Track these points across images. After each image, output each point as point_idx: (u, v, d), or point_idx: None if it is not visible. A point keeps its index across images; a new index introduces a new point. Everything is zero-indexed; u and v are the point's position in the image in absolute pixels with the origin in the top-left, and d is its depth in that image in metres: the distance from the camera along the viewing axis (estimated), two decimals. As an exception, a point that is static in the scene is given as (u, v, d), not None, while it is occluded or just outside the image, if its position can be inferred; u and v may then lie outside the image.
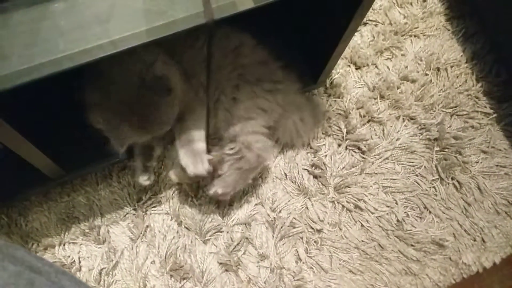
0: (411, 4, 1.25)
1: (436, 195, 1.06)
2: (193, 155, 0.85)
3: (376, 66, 1.17)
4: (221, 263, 0.97)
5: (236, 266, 0.97)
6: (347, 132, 1.08)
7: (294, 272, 0.98)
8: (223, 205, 1.00)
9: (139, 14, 0.53)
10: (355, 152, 1.08)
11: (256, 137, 0.91)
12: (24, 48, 0.50)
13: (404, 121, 1.12)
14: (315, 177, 1.05)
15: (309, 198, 1.03)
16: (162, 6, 0.54)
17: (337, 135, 1.08)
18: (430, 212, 1.05)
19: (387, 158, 1.08)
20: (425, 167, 1.08)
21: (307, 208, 1.02)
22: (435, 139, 1.10)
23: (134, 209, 0.99)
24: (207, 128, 0.84)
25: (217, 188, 0.90)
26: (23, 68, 0.49)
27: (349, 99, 1.12)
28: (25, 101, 0.86)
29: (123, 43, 0.52)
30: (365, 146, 1.07)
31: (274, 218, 1.01)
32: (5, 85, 0.49)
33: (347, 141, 1.08)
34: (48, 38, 0.51)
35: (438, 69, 1.18)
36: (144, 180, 0.94)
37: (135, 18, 0.53)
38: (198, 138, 0.86)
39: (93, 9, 0.53)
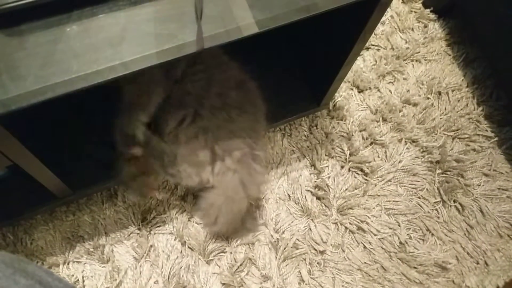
0: (412, 29, 1.28)
1: (438, 217, 1.07)
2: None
3: (379, 90, 1.19)
4: (224, 284, 0.97)
5: (239, 286, 0.97)
6: (350, 154, 1.09)
7: (297, 293, 0.98)
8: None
9: (149, 38, 0.55)
10: (358, 174, 1.09)
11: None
12: (39, 68, 0.52)
13: (406, 144, 1.13)
14: (318, 198, 1.06)
15: (312, 219, 1.04)
16: (172, 30, 0.56)
17: (340, 157, 1.10)
18: (432, 234, 1.05)
19: (389, 180, 1.09)
20: (427, 189, 1.09)
21: (310, 229, 1.03)
22: (437, 162, 1.11)
23: (139, 229, 1.00)
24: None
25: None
26: (38, 87, 0.51)
27: (352, 122, 1.14)
28: (35, 119, 0.88)
29: (134, 65, 0.54)
30: (367, 168, 1.08)
31: (277, 239, 1.01)
32: (21, 103, 0.50)
33: (350, 163, 1.09)
34: (62, 59, 0.53)
35: (440, 93, 1.20)
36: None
37: (145, 41, 0.55)
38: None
39: (106, 33, 0.55)
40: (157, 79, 0.87)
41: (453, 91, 1.20)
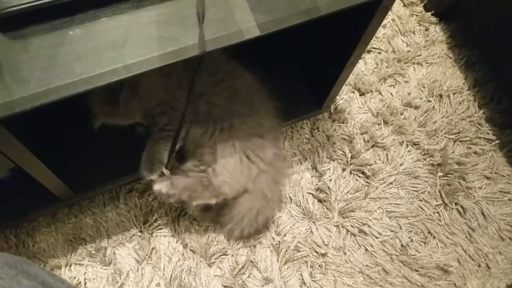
0: (413, 32, 1.28)
1: (440, 220, 1.07)
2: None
3: (380, 93, 1.19)
4: (225, 286, 0.97)
5: (240, 289, 0.97)
6: (351, 157, 1.10)
7: (298, 296, 0.98)
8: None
9: (152, 41, 0.56)
10: (359, 176, 1.09)
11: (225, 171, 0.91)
12: (42, 71, 0.52)
13: (407, 147, 1.13)
14: (319, 201, 1.06)
15: (313, 222, 1.04)
16: (174, 33, 0.56)
17: (342, 160, 1.10)
18: (434, 237, 1.05)
19: (391, 183, 1.09)
20: (428, 192, 1.09)
21: (311, 232, 1.03)
22: (439, 165, 1.11)
23: (140, 231, 1.00)
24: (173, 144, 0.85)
25: (161, 186, 0.89)
26: (42, 90, 0.51)
27: (353, 125, 1.14)
28: (37, 121, 0.88)
29: (136, 68, 0.55)
30: (369, 171, 1.08)
31: (279, 241, 1.01)
32: (25, 106, 0.51)
33: (352, 166, 1.09)
34: (65, 62, 0.53)
35: (441, 96, 1.20)
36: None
37: (148, 44, 0.56)
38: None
39: (109, 36, 0.55)
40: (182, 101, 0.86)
41: (454, 94, 1.21)
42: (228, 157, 0.90)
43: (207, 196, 0.91)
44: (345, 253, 1.02)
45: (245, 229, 0.97)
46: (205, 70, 0.81)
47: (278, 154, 0.97)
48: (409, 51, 1.25)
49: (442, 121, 1.17)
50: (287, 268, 1.00)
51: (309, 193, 1.06)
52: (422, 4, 1.32)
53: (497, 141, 1.16)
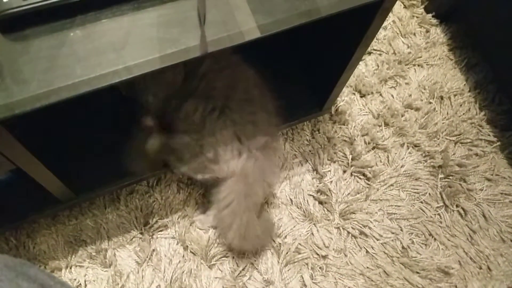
0: (414, 34, 1.28)
1: (441, 222, 1.07)
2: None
3: (381, 94, 1.19)
4: (226, 288, 0.97)
5: (241, 291, 0.97)
6: (352, 159, 1.10)
7: (299, 298, 0.98)
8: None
9: (153, 42, 0.56)
10: (360, 178, 1.09)
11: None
12: (43, 73, 0.52)
13: (408, 148, 1.13)
14: (320, 203, 1.06)
15: (314, 224, 1.04)
16: (175, 35, 0.56)
17: (342, 162, 1.10)
18: (435, 239, 1.05)
19: (392, 185, 1.09)
20: (429, 194, 1.09)
21: (312, 234, 1.03)
22: (439, 166, 1.11)
23: (141, 233, 1.00)
24: None
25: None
26: (42, 92, 0.51)
27: (354, 126, 1.14)
28: (38, 122, 0.88)
29: (137, 69, 0.55)
30: (370, 173, 1.08)
31: (280, 243, 1.01)
32: (25, 107, 0.51)
33: (352, 168, 1.09)
34: (66, 64, 0.53)
35: (442, 97, 1.20)
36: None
37: (149, 46, 0.56)
38: None
39: (109, 37, 0.55)
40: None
41: (455, 95, 1.21)
42: (221, 138, 0.90)
43: (193, 166, 0.93)
44: (346, 255, 1.02)
45: (228, 230, 0.95)
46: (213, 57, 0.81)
47: (272, 147, 0.96)
48: (409, 52, 1.25)
49: (443, 123, 1.17)
50: (288, 270, 0.99)
51: (310, 195, 1.06)
52: (423, 6, 1.32)
53: (498, 143, 1.16)
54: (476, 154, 1.15)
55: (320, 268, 1.00)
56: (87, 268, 0.97)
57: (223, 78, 0.91)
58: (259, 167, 0.93)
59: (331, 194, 1.06)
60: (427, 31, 1.29)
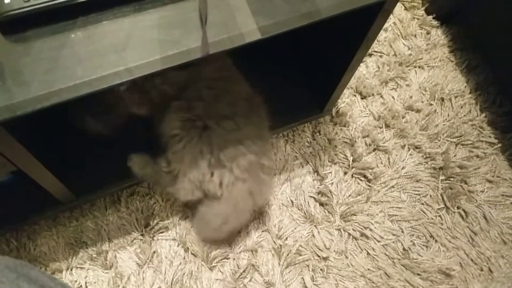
0: (415, 36, 1.28)
1: (442, 224, 1.07)
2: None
3: (381, 96, 1.19)
4: (227, 290, 0.97)
5: (242, 293, 0.97)
6: (353, 160, 1.09)
7: (300, 300, 0.97)
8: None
9: (154, 43, 0.56)
10: (361, 180, 1.09)
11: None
12: (44, 74, 0.52)
13: (409, 150, 1.13)
14: (321, 204, 1.06)
15: (315, 225, 1.03)
16: (176, 36, 0.56)
17: (343, 163, 1.10)
18: (436, 241, 1.05)
19: (392, 187, 1.09)
20: (430, 195, 1.09)
21: (313, 235, 1.03)
22: (440, 168, 1.11)
23: (142, 235, 1.00)
24: None
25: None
26: (43, 93, 0.51)
27: (355, 128, 1.14)
28: (39, 124, 0.89)
29: (138, 71, 0.55)
30: (371, 175, 1.08)
31: (281, 245, 1.01)
32: (26, 109, 0.51)
33: (353, 169, 1.09)
34: (67, 65, 0.53)
35: (443, 99, 1.20)
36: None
37: (150, 47, 0.56)
38: None
39: (110, 39, 0.56)
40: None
41: (456, 97, 1.21)
42: (192, 161, 0.87)
43: (167, 190, 0.94)
44: (346, 257, 1.02)
45: (207, 234, 0.98)
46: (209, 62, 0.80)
47: (260, 165, 0.92)
48: (410, 54, 1.25)
49: (443, 125, 1.17)
50: (289, 272, 0.99)
51: (311, 196, 1.06)
52: (424, 8, 1.32)
53: (499, 145, 1.16)
54: (477, 156, 1.14)
55: (321, 270, 1.00)
56: (87, 270, 0.97)
57: (213, 89, 0.88)
58: (248, 189, 0.90)
59: (332, 196, 1.06)
60: (428, 33, 1.29)
